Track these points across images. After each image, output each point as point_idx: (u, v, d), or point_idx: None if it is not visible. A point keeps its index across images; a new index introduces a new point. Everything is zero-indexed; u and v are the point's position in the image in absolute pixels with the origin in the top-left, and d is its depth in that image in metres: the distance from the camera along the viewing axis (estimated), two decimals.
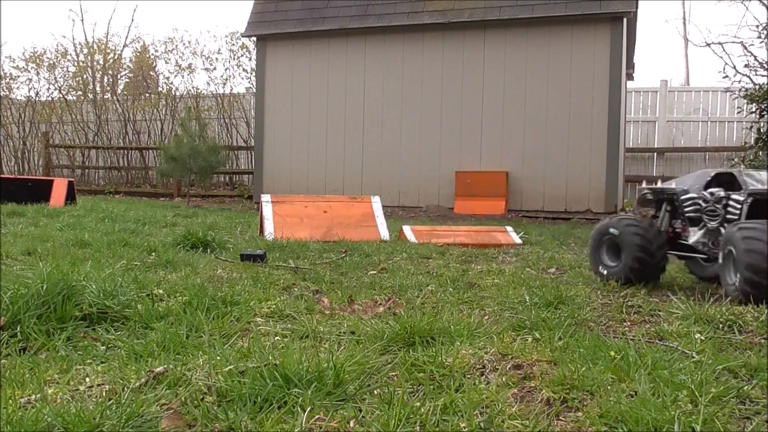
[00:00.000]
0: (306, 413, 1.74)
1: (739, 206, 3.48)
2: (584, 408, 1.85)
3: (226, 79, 15.32)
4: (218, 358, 2.19)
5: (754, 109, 10.01)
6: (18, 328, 2.49)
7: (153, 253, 4.39)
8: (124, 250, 4.48)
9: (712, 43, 12.32)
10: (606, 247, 3.92)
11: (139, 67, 19.77)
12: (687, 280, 4.14)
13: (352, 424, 1.73)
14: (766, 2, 10.36)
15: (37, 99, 16.25)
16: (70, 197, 8.36)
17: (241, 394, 1.85)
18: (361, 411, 1.81)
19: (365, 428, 1.70)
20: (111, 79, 19.58)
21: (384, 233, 6.14)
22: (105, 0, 31.21)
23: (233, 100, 14.63)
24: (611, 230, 3.85)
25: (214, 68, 17.73)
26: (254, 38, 11.91)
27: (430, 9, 10.39)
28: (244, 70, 15.19)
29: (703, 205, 3.69)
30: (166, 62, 23.13)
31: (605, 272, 3.83)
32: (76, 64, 18.25)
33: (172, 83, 16.66)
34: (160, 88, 17.34)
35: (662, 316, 2.91)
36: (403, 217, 9.80)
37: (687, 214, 3.78)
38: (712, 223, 3.63)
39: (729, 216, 3.53)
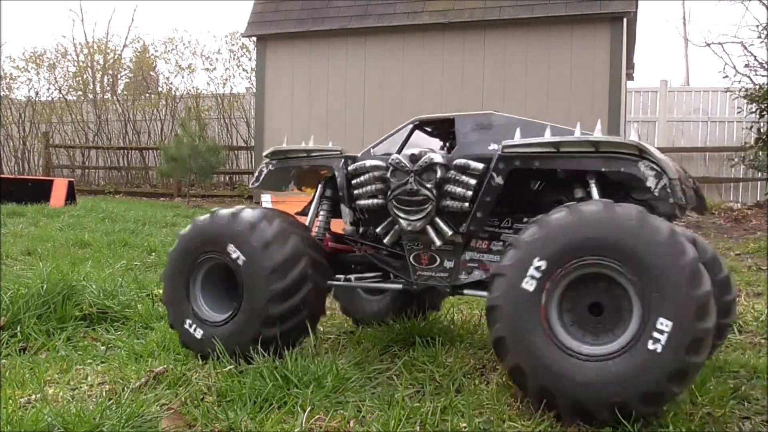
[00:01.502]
0: (306, 413, 1.74)
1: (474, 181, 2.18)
2: None
3: (226, 79, 15.34)
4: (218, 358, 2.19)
5: (754, 109, 10.01)
6: (18, 328, 2.50)
7: (153, 253, 4.40)
8: (124, 250, 4.49)
9: (712, 43, 12.31)
10: (204, 276, 2.32)
11: (139, 67, 19.75)
12: None
13: (352, 424, 1.73)
14: (766, 2, 10.36)
15: (37, 99, 16.24)
16: (70, 197, 8.36)
17: (241, 394, 1.85)
18: (361, 411, 1.81)
19: (365, 428, 1.70)
20: (111, 79, 19.56)
21: None
22: (105, 0, 31.14)
23: (233, 100, 14.62)
24: (223, 239, 2.22)
25: (214, 68, 17.74)
26: (254, 38, 11.90)
27: (430, 9, 10.39)
28: (244, 70, 15.20)
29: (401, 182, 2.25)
30: (166, 62, 23.15)
31: (198, 333, 2.23)
32: (76, 64, 18.26)
33: (172, 83, 16.67)
34: (160, 88, 17.33)
35: None
36: None
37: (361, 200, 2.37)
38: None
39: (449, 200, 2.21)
